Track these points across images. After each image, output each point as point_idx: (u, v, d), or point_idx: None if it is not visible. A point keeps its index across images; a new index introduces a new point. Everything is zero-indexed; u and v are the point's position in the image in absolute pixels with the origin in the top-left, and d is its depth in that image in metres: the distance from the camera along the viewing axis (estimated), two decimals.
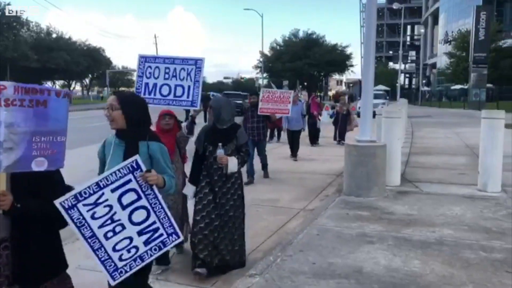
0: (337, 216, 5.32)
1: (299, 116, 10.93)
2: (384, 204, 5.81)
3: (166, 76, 4.47)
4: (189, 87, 4.39)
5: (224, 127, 4.00)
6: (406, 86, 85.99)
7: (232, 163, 3.86)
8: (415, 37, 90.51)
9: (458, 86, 47.89)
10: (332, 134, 14.64)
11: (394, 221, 5.09)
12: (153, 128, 3.60)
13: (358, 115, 26.01)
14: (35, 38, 46.29)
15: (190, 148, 4.38)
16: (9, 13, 37.15)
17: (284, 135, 12.93)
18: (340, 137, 13.87)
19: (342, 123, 13.98)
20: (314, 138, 13.63)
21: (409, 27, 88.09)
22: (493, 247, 4.19)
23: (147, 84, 4.51)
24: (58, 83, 72.80)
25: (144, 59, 4.57)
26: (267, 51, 56.76)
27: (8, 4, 37.81)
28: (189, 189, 4.06)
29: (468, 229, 4.76)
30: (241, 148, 4.02)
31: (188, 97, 4.39)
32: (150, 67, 4.50)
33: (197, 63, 4.41)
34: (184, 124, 4.40)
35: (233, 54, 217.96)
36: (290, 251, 4.13)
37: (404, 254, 4.03)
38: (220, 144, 3.77)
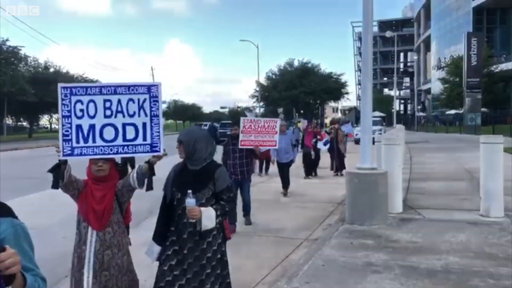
0: (342, 245, 5.26)
1: (289, 147, 10.03)
2: (388, 232, 5.77)
3: (108, 112, 3.20)
4: (144, 124, 3.20)
5: (197, 167, 3.01)
6: (402, 112, 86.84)
7: (208, 217, 2.84)
8: (408, 64, 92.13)
9: (453, 111, 48.44)
10: (328, 164, 14.19)
11: (399, 249, 5.05)
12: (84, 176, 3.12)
13: (357, 141, 26.10)
14: (33, 73, 46.69)
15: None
16: (7, 49, 37.72)
17: (273, 167, 11.74)
18: (337, 169, 13.28)
19: (338, 154, 13.47)
20: (309, 170, 12.81)
21: (402, 54, 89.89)
22: (501, 274, 4.14)
23: (79, 127, 3.19)
24: (55, 116, 73.15)
25: (68, 91, 3.21)
26: (263, 80, 57.55)
27: (7, 40, 38.44)
28: (152, 250, 3.12)
29: (474, 256, 4.72)
30: (222, 195, 2.97)
31: (145, 139, 3.21)
32: (80, 101, 3.19)
33: (151, 90, 3.24)
34: (133, 172, 3.21)
35: (229, 84, 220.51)
36: (296, 283, 4.06)
37: (412, 283, 3.97)
38: (189, 191, 2.79)
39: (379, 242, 5.32)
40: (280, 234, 6.49)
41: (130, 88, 3.24)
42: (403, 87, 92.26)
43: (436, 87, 55.56)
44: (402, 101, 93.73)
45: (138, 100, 3.22)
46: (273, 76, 57.46)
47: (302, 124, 26.83)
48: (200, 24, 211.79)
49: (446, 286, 3.89)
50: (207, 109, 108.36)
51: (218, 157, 5.94)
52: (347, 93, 58.73)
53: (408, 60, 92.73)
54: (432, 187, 9.54)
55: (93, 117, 3.18)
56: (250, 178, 7.27)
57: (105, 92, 3.22)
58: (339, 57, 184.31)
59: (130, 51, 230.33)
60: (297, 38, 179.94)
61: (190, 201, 2.77)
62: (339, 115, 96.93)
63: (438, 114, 57.66)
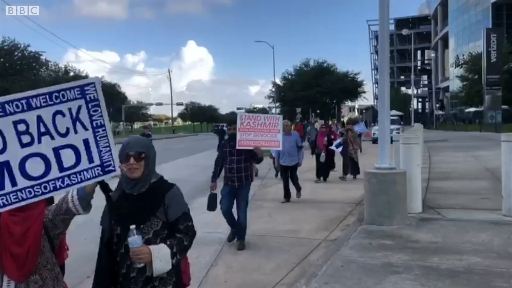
0: (361, 246, 5.23)
1: (293, 149, 8.92)
2: (407, 232, 5.70)
3: (26, 139, 2.07)
4: (86, 142, 2.17)
5: (140, 191, 2.23)
6: (420, 111, 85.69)
7: (161, 257, 2.13)
8: (426, 62, 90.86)
9: (472, 109, 47.58)
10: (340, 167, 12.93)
11: (419, 249, 4.99)
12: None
13: (374, 141, 25.74)
14: (54, 77, 47.73)
15: None
16: (28, 54, 38.64)
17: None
18: (351, 172, 12.34)
19: (345, 157, 12.49)
20: (318, 173, 11.89)
21: (419, 52, 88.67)
22: None
23: None
24: None
25: None
26: (279, 81, 57.51)
27: (28, 46, 39.38)
28: None
29: (497, 256, 4.63)
30: (178, 225, 2.23)
31: (91, 160, 2.18)
32: None
33: (86, 92, 2.19)
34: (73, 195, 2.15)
35: (245, 85, 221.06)
36: (315, 284, 4.05)
37: (433, 284, 3.92)
38: (132, 226, 2.10)
39: (398, 243, 5.27)
40: (298, 235, 6.49)
41: (52, 95, 2.10)
42: (421, 85, 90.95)
43: (455, 84, 54.69)
44: (420, 100, 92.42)
45: (70, 110, 2.13)
46: (289, 77, 57.39)
47: (319, 124, 26.83)
48: (216, 26, 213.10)
49: (468, 286, 3.84)
50: (223, 110, 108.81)
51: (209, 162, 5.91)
52: (363, 92, 58.29)
53: (426, 58, 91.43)
54: (452, 186, 9.39)
55: (1, 151, 2.01)
56: (248, 187, 6.08)
57: (13, 111, 2.02)
58: (355, 56, 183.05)
59: (147, 55, 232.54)
60: (313, 38, 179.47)
61: (134, 240, 2.07)
62: (356, 114, 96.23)
63: (457, 112, 56.75)
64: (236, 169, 5.88)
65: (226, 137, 6.98)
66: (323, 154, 11.57)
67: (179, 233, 2.25)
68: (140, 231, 2.13)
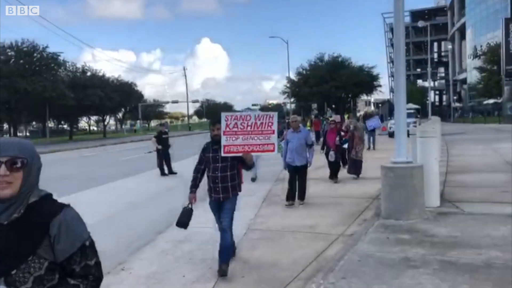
0: (378, 240, 5.21)
1: (302, 147, 8.11)
2: (425, 227, 5.66)
3: None
4: None
5: (11, 218, 1.48)
6: (437, 103, 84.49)
7: None
8: (443, 54, 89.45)
9: (491, 101, 46.74)
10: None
11: (437, 244, 4.95)
12: None
13: (391, 135, 25.30)
14: (72, 77, 48.46)
15: None
16: (47, 55, 39.26)
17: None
18: (353, 171, 11.30)
19: (343, 155, 11.55)
20: (330, 172, 10.96)
21: (435, 44, 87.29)
22: None
23: None
24: (93, 118, 75.53)
25: None
26: (293, 76, 57.31)
27: (46, 47, 40.00)
28: None
29: None
30: (72, 266, 1.54)
31: None
32: None
33: None
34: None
35: (260, 81, 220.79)
36: (332, 279, 4.06)
37: (451, 278, 3.89)
38: None
39: (416, 237, 5.23)
40: (314, 230, 6.49)
41: None
42: (438, 78, 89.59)
43: (473, 76, 53.76)
44: (437, 92, 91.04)
45: None
46: (304, 72, 57.12)
47: (335, 119, 26.38)
48: (230, 23, 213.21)
49: (488, 281, 3.79)
50: (238, 107, 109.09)
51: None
52: (379, 85, 57.69)
53: (442, 49, 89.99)
54: (470, 179, 9.26)
55: None
56: (235, 199, 4.95)
57: None
58: (370, 49, 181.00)
59: (162, 53, 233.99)
60: (327, 33, 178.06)
61: None
62: (372, 108, 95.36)
63: (475, 104, 55.78)
64: (220, 178, 4.84)
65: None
66: (332, 152, 10.57)
67: (74, 278, 1.53)
68: (12, 280, 1.42)
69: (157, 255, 5.66)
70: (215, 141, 4.95)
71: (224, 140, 4.86)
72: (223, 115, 4.99)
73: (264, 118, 5.10)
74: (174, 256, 5.57)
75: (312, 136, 12.89)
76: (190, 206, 5.07)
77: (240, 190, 5.07)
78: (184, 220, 5.04)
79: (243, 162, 4.97)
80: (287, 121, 21.58)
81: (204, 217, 7.68)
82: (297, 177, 8.22)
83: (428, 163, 6.69)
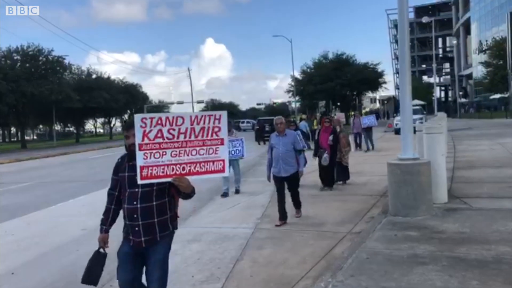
0: (386, 238, 5.20)
1: (289, 154, 6.85)
2: (433, 223, 5.64)
3: None
4: None
5: None
6: (443, 99, 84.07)
7: None
8: (447, 49, 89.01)
9: (497, 95, 46.42)
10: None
11: (446, 240, 4.93)
12: None
13: (397, 131, 25.07)
14: (77, 80, 48.75)
15: None
16: (52, 59, 39.47)
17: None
18: (340, 177, 10.19)
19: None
20: (323, 179, 9.66)
21: (440, 39, 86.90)
22: None
23: None
24: (99, 121, 75.93)
25: None
26: (298, 74, 57.18)
27: (52, 51, 40.24)
28: None
29: None
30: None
31: None
32: None
33: None
34: None
35: (264, 80, 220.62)
36: (341, 277, 4.06)
37: (461, 274, 3.88)
38: None
39: (424, 234, 5.22)
40: (322, 228, 6.49)
41: None
42: (443, 74, 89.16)
43: (478, 71, 53.43)
44: (443, 88, 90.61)
45: None
46: (308, 70, 56.92)
47: (338, 117, 24.95)
48: (233, 23, 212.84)
49: (498, 276, 3.78)
50: (243, 106, 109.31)
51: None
52: (384, 82, 57.27)
53: (447, 45, 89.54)
54: (478, 175, 9.22)
55: None
56: (167, 245, 3.31)
57: None
58: (375, 46, 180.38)
59: (167, 54, 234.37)
60: (331, 31, 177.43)
61: None
62: (377, 105, 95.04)
63: (481, 99, 55.40)
64: (141, 212, 3.13)
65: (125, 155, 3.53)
66: (326, 155, 9.26)
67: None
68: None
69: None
70: (131, 154, 3.20)
71: (140, 159, 3.02)
72: (137, 117, 3.02)
73: (206, 120, 3.17)
74: (182, 257, 5.59)
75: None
76: (103, 250, 3.58)
77: (176, 228, 3.37)
78: (93, 273, 3.45)
79: (176, 190, 3.16)
80: (292, 119, 21.16)
81: (211, 217, 7.72)
82: (288, 190, 7.02)
83: (435, 159, 6.66)
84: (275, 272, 4.83)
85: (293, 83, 55.07)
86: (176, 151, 3.11)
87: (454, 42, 72.49)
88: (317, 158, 9.74)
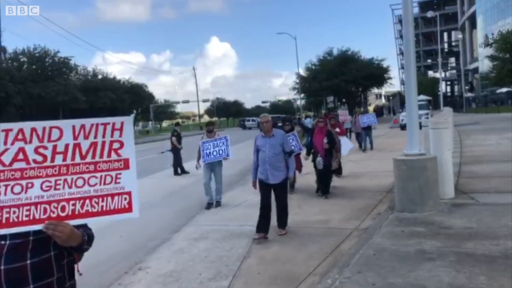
0: (393, 234, 5.20)
1: (278, 157, 6.06)
2: (440, 219, 5.63)
3: None
4: None
5: None
6: (449, 94, 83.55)
7: None
8: (453, 43, 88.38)
9: (504, 89, 46.03)
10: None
11: (453, 235, 4.92)
12: None
13: (403, 127, 24.73)
14: (83, 81, 49.01)
15: None
16: (58, 60, 39.69)
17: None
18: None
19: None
20: (318, 185, 8.82)
21: (445, 34, 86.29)
22: None
23: None
24: None
25: None
26: (302, 71, 57.08)
27: (58, 52, 40.47)
28: None
29: None
30: None
31: None
32: None
33: None
34: None
35: (269, 78, 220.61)
36: (348, 273, 4.07)
37: (468, 270, 3.87)
38: None
39: (431, 229, 5.21)
40: (328, 225, 6.49)
41: None
42: (449, 68, 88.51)
43: (485, 65, 52.92)
44: (449, 83, 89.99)
45: None
46: (313, 67, 56.80)
47: (341, 114, 22.52)
48: (238, 21, 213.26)
49: (506, 272, 3.76)
50: (248, 104, 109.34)
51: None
52: (390, 78, 57.05)
53: (453, 39, 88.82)
54: (484, 170, 9.17)
55: None
56: None
57: None
58: (380, 42, 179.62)
59: (172, 53, 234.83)
60: (335, 27, 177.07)
61: None
62: (383, 101, 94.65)
63: (488, 93, 54.99)
64: (5, 277, 1.82)
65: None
66: (319, 159, 8.40)
67: None
68: None
69: (173, 254, 5.72)
70: None
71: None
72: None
73: (98, 132, 2.09)
74: (190, 254, 5.62)
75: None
76: None
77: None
78: None
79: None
80: (298, 117, 20.69)
81: (219, 215, 7.75)
82: (274, 197, 6.15)
83: (441, 154, 6.64)
84: (282, 269, 4.85)
85: (297, 81, 54.98)
86: (50, 182, 1.96)
87: (460, 36, 71.89)
88: (311, 160, 8.87)
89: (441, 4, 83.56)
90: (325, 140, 8.41)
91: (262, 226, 5.88)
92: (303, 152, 9.47)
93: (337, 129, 10.52)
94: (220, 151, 8.52)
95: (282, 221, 6.22)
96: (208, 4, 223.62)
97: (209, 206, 8.36)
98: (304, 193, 9.10)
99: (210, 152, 8.52)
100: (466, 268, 3.91)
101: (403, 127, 24.01)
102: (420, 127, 8.76)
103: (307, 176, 10.10)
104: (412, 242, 4.80)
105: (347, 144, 10.60)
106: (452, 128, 15.28)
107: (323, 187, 8.61)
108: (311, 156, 8.89)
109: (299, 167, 9.26)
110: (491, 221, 5.32)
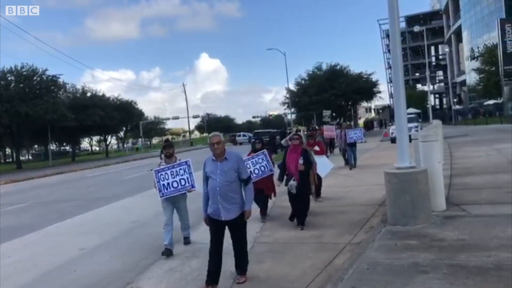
0: (386, 247, 5.18)
1: (232, 186, 4.86)
2: (432, 231, 5.63)
3: None
4: None
5: None
6: (437, 107, 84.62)
7: None
8: (440, 57, 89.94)
9: (491, 101, 46.78)
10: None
11: (446, 248, 4.92)
12: None
13: (393, 140, 24.67)
14: (72, 99, 48.71)
15: None
16: (46, 78, 39.46)
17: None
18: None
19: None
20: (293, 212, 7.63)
21: (432, 47, 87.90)
22: None
23: None
24: (95, 139, 75.83)
25: None
26: (292, 86, 57.50)
27: (46, 70, 40.25)
28: None
29: None
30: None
31: None
32: None
33: None
34: None
35: (260, 93, 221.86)
36: None
37: (462, 282, 3.86)
38: None
39: (424, 242, 5.20)
40: (321, 240, 6.46)
41: None
42: (437, 81, 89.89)
43: (472, 78, 53.91)
44: (437, 96, 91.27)
45: None
46: (303, 82, 57.30)
47: (326, 130, 21.65)
48: (227, 38, 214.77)
49: (499, 283, 3.76)
50: (239, 119, 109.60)
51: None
52: (379, 92, 57.67)
53: (440, 53, 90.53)
54: (475, 181, 9.23)
55: None
56: None
57: None
58: (368, 57, 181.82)
59: (162, 70, 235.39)
60: (324, 42, 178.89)
61: None
62: (372, 114, 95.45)
63: (476, 105, 55.78)
64: None
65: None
66: (292, 182, 7.25)
67: None
68: None
69: (165, 273, 5.63)
70: None
71: None
72: None
73: None
74: (182, 273, 5.54)
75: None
76: None
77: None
78: None
79: None
80: (289, 131, 20.31)
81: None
82: (230, 237, 5.04)
83: (432, 167, 6.67)
84: (276, 286, 4.79)
85: (288, 95, 55.32)
86: None
87: (447, 50, 73.36)
88: (283, 184, 7.65)
89: (427, 18, 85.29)
90: (301, 161, 7.23)
91: (212, 276, 4.82)
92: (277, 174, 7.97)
93: (316, 148, 9.62)
94: (182, 181, 6.68)
95: (242, 266, 5.08)
96: (197, 21, 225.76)
97: (167, 252, 6.40)
98: (279, 219, 8.17)
99: (169, 184, 6.70)
100: (459, 280, 3.90)
101: (393, 140, 24.17)
102: (410, 140, 8.81)
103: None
104: (405, 255, 4.79)
105: (326, 165, 9.56)
106: (442, 140, 15.43)
107: (299, 216, 7.36)
108: (284, 180, 7.55)
109: (271, 190, 8.23)
110: (483, 233, 5.33)
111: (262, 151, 8.20)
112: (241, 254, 5.05)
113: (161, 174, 6.73)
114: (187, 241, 7.04)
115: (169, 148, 6.96)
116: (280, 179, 7.63)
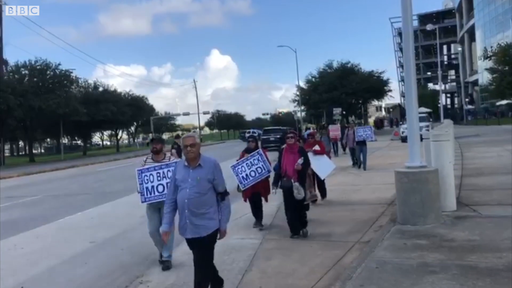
0: (395, 247, 5.17)
1: (203, 198, 3.98)
2: (442, 231, 5.60)
3: None
4: None
5: None
6: (449, 106, 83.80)
7: None
8: (452, 56, 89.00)
9: (504, 102, 46.15)
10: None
11: (456, 248, 4.89)
12: None
13: (404, 139, 24.21)
14: (84, 93, 49.11)
15: None
16: (59, 73, 39.84)
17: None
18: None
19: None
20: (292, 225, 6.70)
21: (445, 46, 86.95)
22: None
23: None
24: (106, 133, 76.39)
25: None
26: (303, 84, 57.30)
27: (59, 65, 40.63)
28: None
29: None
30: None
31: None
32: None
33: None
34: None
35: (270, 90, 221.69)
36: (350, 286, 4.04)
37: (472, 283, 3.84)
38: None
39: (433, 242, 5.18)
40: (330, 238, 6.46)
41: None
42: (449, 81, 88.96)
43: (484, 77, 53.21)
44: (448, 95, 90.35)
45: None
46: (313, 79, 57.04)
47: (332, 130, 21.32)
48: (238, 35, 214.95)
49: (510, 285, 3.74)
50: (249, 117, 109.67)
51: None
52: (390, 90, 57.20)
53: (452, 52, 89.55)
54: (486, 182, 9.15)
55: None
56: None
57: None
58: (379, 55, 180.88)
59: (173, 66, 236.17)
60: (336, 40, 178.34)
61: None
62: (383, 113, 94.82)
63: (488, 105, 55.13)
64: None
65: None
66: (296, 184, 6.41)
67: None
68: None
69: (174, 267, 5.68)
70: None
71: None
72: None
73: None
74: (191, 268, 5.56)
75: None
76: None
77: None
78: None
79: None
80: (291, 130, 19.97)
81: None
82: (193, 260, 4.23)
83: (442, 166, 6.63)
84: (284, 283, 4.81)
85: (298, 93, 55.16)
86: None
87: (459, 49, 72.50)
88: (278, 189, 6.86)
89: (440, 17, 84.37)
90: (300, 161, 6.46)
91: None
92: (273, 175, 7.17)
93: (317, 147, 9.02)
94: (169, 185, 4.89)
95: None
96: (209, 18, 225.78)
97: (167, 265, 5.66)
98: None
99: (153, 187, 5.61)
100: (469, 281, 3.88)
101: (404, 139, 24.02)
102: (421, 139, 8.75)
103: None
104: (414, 255, 4.77)
105: (327, 165, 9.03)
106: (453, 140, 15.29)
107: (303, 222, 6.70)
108: (280, 185, 6.73)
109: (268, 192, 7.55)
110: (493, 234, 5.29)
111: (257, 150, 7.48)
112: (202, 282, 4.14)
113: (145, 175, 5.64)
114: (166, 265, 5.64)
115: (157, 143, 5.91)
116: (276, 183, 6.79)
